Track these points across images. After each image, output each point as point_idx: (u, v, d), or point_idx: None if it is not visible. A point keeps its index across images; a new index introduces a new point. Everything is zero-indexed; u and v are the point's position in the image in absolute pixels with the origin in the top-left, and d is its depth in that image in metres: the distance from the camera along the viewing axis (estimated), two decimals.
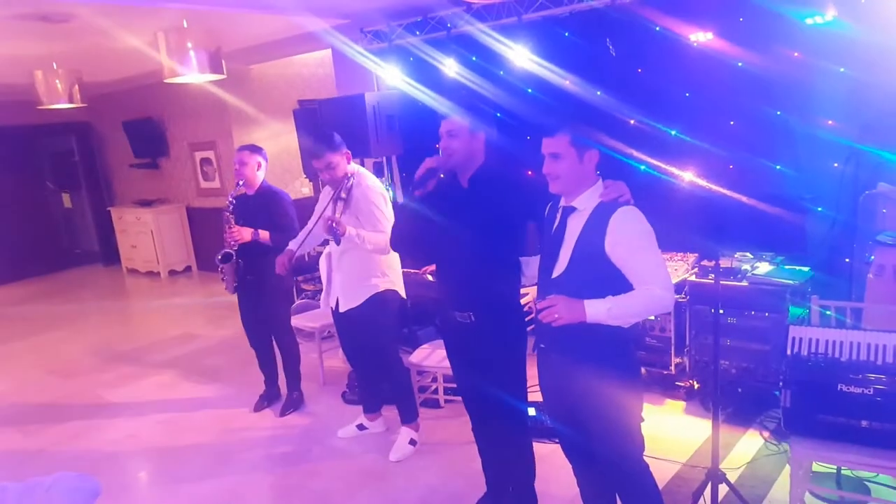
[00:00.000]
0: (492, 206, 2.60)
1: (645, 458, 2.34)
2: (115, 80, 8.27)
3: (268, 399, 4.49)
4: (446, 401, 4.22)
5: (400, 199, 5.52)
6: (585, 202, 2.24)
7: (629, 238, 2.15)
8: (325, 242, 4.02)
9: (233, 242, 3.95)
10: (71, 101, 5.28)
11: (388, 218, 3.42)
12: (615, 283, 2.15)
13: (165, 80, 4.22)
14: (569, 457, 2.52)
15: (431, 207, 2.80)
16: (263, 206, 4.03)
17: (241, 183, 4.04)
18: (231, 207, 4.00)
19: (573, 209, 2.26)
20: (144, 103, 8.97)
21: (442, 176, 2.65)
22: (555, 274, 2.25)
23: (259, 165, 4.05)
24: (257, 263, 4.05)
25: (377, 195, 3.44)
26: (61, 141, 10.28)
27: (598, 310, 2.09)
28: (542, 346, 2.39)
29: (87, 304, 7.13)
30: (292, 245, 3.65)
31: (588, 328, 2.13)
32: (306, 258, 6.07)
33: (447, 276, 2.77)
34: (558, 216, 2.32)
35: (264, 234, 3.97)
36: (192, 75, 4.11)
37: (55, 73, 5.16)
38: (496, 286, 2.65)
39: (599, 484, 2.48)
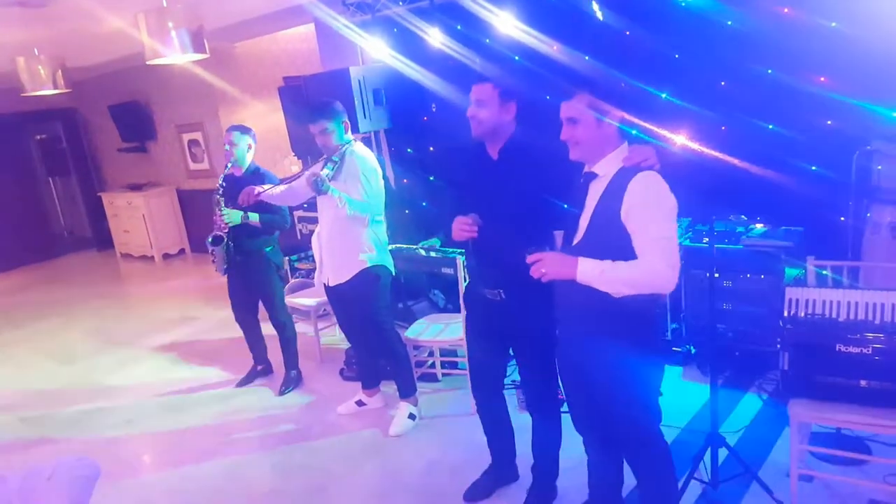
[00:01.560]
0: (524, 178, 2.49)
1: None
2: (99, 64, 8.12)
3: (253, 376, 4.54)
4: (444, 374, 4.22)
5: (390, 173, 5.50)
6: (607, 167, 2.13)
7: (643, 203, 2.01)
8: (308, 207, 3.95)
9: (223, 225, 3.94)
10: (55, 87, 5.19)
11: (374, 190, 3.41)
12: (632, 253, 2.03)
13: (148, 62, 4.14)
14: (580, 429, 2.48)
15: (460, 181, 2.75)
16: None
17: (229, 165, 4.01)
18: (221, 190, 3.98)
19: (594, 175, 2.16)
20: (130, 86, 8.85)
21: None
22: (574, 242, 2.18)
23: (249, 146, 4.05)
24: (247, 244, 4.06)
25: (368, 166, 3.41)
26: (48, 127, 10.18)
27: (591, 270, 1.99)
28: (560, 319, 2.33)
29: (83, 291, 7.10)
30: (266, 187, 3.68)
31: (604, 298, 2.05)
32: (298, 236, 6.05)
33: (477, 252, 2.62)
34: (582, 183, 2.23)
35: (254, 217, 3.97)
36: (175, 56, 4.02)
37: (37, 60, 5.07)
38: (528, 263, 2.58)
39: (609, 455, 2.47)
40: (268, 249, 4.16)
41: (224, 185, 4.00)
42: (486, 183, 2.59)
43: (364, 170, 3.39)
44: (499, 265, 2.54)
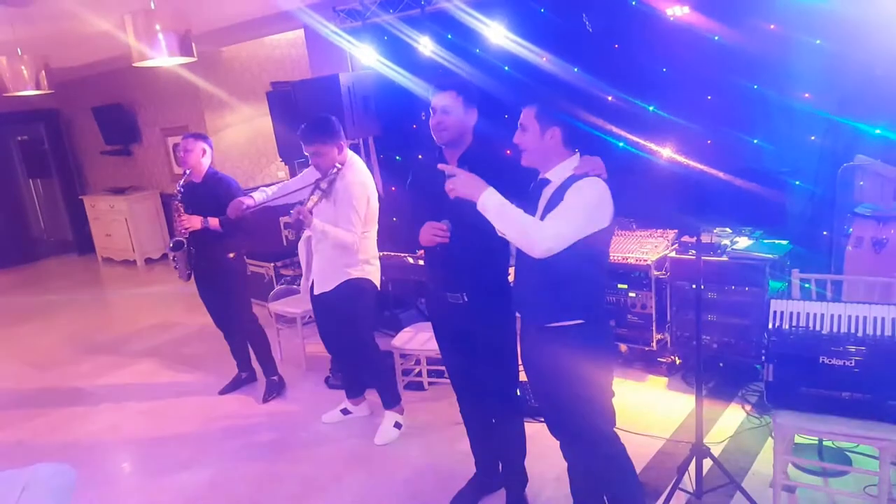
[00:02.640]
0: None
1: (629, 433, 2.35)
2: (84, 66, 8.06)
3: (237, 384, 4.51)
4: (430, 383, 4.21)
5: (378, 181, 5.49)
6: (558, 175, 2.26)
7: (574, 192, 2.15)
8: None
9: (183, 230, 3.94)
10: (38, 88, 5.12)
11: (363, 218, 3.38)
12: (578, 252, 2.14)
13: (134, 64, 4.11)
14: (553, 433, 2.51)
15: (420, 188, 2.75)
16: (211, 193, 4.00)
17: (188, 171, 4.01)
18: (180, 196, 3.99)
19: (547, 181, 2.29)
20: (114, 89, 8.77)
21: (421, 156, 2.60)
22: None
23: (204, 152, 4.03)
24: (208, 250, 4.05)
25: (359, 191, 3.36)
26: (30, 128, 10.03)
27: (492, 200, 2.13)
28: (517, 314, 2.43)
29: (63, 295, 7.00)
30: (257, 197, 3.68)
31: (560, 290, 2.19)
32: (284, 242, 6.01)
33: (438, 257, 2.67)
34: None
35: (214, 222, 3.97)
36: (162, 58, 4.00)
37: (20, 59, 5.00)
38: (489, 266, 2.62)
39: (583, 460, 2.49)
40: (230, 255, 4.13)
41: (182, 190, 4.01)
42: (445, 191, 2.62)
43: (355, 198, 3.33)
44: (461, 269, 2.60)
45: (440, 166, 2.27)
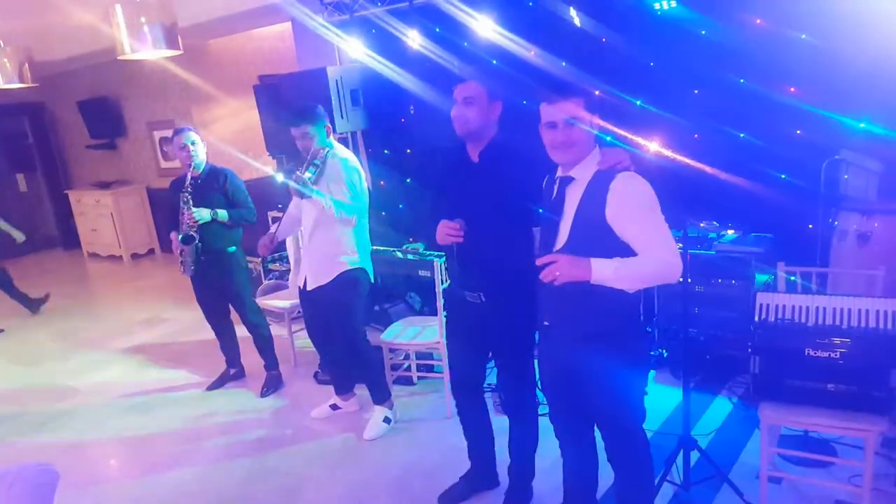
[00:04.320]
0: (504, 181, 2.48)
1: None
2: (68, 59, 7.94)
3: (225, 379, 4.49)
4: (419, 377, 4.21)
5: (367, 175, 5.47)
6: (583, 171, 2.15)
7: (631, 205, 2.05)
8: (283, 208, 3.99)
9: (192, 223, 3.90)
10: (22, 81, 5.05)
11: (358, 191, 3.39)
12: (619, 253, 2.06)
13: (119, 58, 4.06)
14: (561, 431, 2.49)
15: (440, 184, 2.73)
16: (215, 185, 4.01)
17: (192, 165, 3.98)
18: (190, 188, 3.95)
19: (571, 179, 2.17)
20: (100, 82, 8.69)
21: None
22: (556, 248, 2.17)
23: (204, 146, 4.05)
24: (213, 244, 4.03)
25: (351, 167, 3.39)
26: (13, 122, 9.88)
27: (605, 269, 1.98)
28: (546, 322, 2.32)
29: (49, 291, 6.94)
30: (273, 228, 3.68)
31: (594, 303, 2.08)
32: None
33: (454, 256, 2.59)
34: (556, 188, 2.23)
35: (222, 214, 3.96)
36: (148, 51, 3.95)
37: (3, 52, 4.92)
38: (509, 266, 2.53)
39: (587, 457, 2.50)
40: (231, 249, 4.12)
41: (192, 183, 3.97)
42: (468, 186, 2.58)
43: (347, 172, 3.36)
44: (480, 268, 2.54)
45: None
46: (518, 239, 2.53)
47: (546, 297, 2.28)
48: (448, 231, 2.47)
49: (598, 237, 2.08)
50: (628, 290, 2.12)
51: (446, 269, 2.88)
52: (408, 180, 5.35)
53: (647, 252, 2.04)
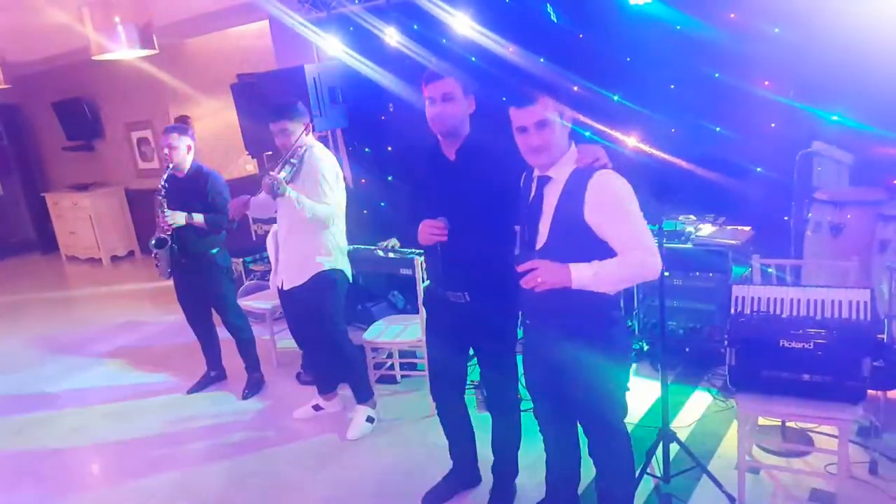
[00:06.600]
0: (483, 179, 2.45)
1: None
2: (42, 59, 7.83)
3: (206, 382, 4.46)
4: (403, 376, 4.21)
5: (347, 173, 5.46)
6: (560, 170, 2.14)
7: (608, 204, 2.05)
8: (272, 221, 3.94)
9: (166, 227, 3.85)
10: None
11: (334, 191, 3.36)
12: (599, 252, 2.05)
13: (94, 58, 4.01)
14: (545, 428, 2.50)
15: (417, 183, 2.70)
16: (196, 188, 3.93)
17: (170, 166, 3.91)
18: (163, 191, 3.88)
19: (549, 179, 2.16)
20: (75, 83, 8.57)
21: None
22: (537, 247, 2.16)
23: (189, 148, 3.94)
24: (192, 247, 3.97)
25: (328, 168, 3.36)
26: None
27: (584, 274, 1.99)
28: (528, 321, 2.33)
29: (26, 295, 6.84)
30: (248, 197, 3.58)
31: (576, 301, 2.07)
32: (253, 237, 5.95)
33: (437, 256, 2.55)
34: (534, 187, 2.22)
35: (198, 218, 3.89)
36: (122, 51, 3.91)
37: None
38: (493, 265, 2.50)
39: (570, 453, 2.51)
40: (213, 251, 4.07)
41: (166, 185, 3.89)
42: (446, 184, 2.56)
43: (324, 172, 3.33)
44: (463, 267, 2.52)
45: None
46: (500, 237, 2.51)
47: (527, 297, 2.26)
48: (432, 231, 2.44)
49: (577, 236, 2.08)
50: (609, 293, 2.13)
51: (426, 268, 2.86)
52: (389, 178, 5.34)
53: (626, 251, 2.04)
